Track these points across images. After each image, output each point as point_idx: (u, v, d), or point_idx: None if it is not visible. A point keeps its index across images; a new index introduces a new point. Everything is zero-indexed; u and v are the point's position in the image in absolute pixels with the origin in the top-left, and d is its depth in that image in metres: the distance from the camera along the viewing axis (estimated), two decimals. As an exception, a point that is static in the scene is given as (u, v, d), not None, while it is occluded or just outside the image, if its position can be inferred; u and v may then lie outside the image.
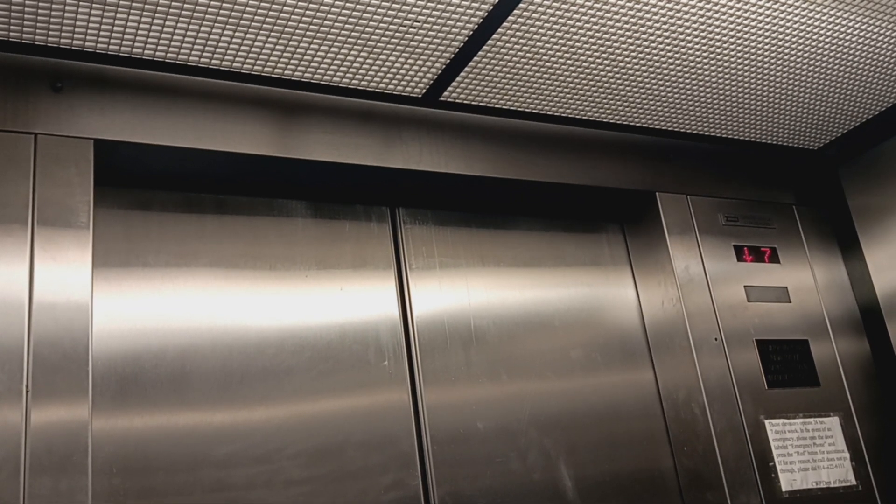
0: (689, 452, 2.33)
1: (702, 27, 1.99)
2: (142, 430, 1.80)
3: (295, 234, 2.15)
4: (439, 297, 2.27)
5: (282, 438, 1.93)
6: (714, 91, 2.30)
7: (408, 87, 2.10)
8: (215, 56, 1.86)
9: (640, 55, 2.08)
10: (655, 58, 2.10)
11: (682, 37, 2.02)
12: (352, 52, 1.91)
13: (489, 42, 1.93)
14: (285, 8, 1.71)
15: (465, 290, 2.31)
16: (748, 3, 1.91)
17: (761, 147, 2.73)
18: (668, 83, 2.23)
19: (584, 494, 2.22)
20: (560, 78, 2.14)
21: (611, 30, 1.95)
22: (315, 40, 1.84)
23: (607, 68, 2.12)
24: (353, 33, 1.83)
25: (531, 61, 2.04)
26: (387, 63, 1.97)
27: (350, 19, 1.78)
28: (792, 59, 2.18)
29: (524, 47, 1.98)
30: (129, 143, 1.82)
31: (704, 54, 2.11)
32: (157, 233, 1.99)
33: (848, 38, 2.11)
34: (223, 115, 1.94)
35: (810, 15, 1.99)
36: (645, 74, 2.17)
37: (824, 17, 2.01)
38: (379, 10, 1.76)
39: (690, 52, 2.09)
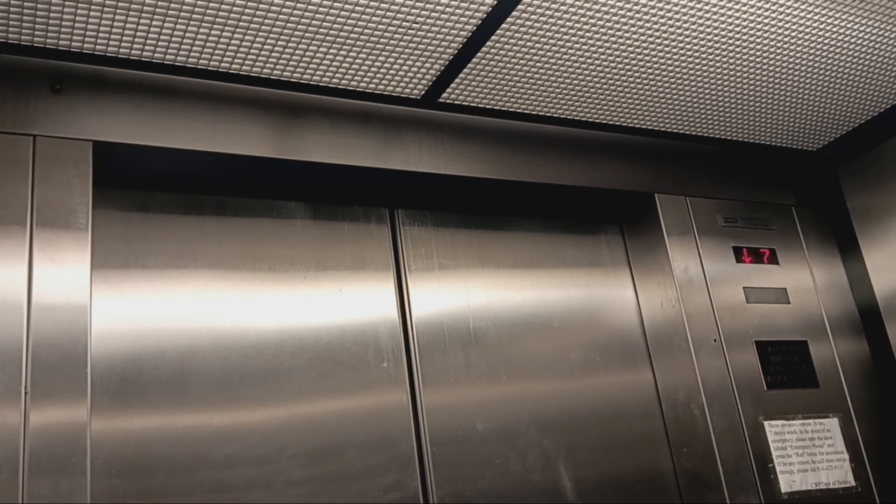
0: (689, 453, 2.33)
1: (700, 28, 1.99)
2: (141, 432, 1.80)
3: (294, 235, 2.15)
4: (438, 298, 2.27)
5: (281, 439, 1.93)
6: (713, 92, 2.30)
7: (406, 88, 2.10)
8: (214, 58, 1.86)
9: (638, 56, 2.08)
10: (654, 59, 2.10)
11: (680, 38, 2.02)
12: (350, 54, 1.91)
13: (488, 44, 1.94)
14: (284, 10, 1.71)
15: (465, 292, 2.31)
16: (746, 4, 1.91)
17: (760, 148, 2.73)
18: (667, 84, 2.23)
19: (583, 495, 2.22)
20: (559, 79, 2.14)
21: (609, 31, 1.95)
22: (314, 42, 1.84)
23: (606, 70, 2.12)
24: (351, 35, 1.84)
25: (530, 63, 2.05)
26: (385, 64, 1.98)
27: (349, 21, 1.78)
28: (791, 60, 2.18)
29: (523, 49, 1.98)
30: (128, 144, 1.82)
31: (703, 55, 2.11)
32: (157, 234, 1.99)
33: (846, 39, 2.11)
34: (222, 117, 1.94)
35: (809, 16, 1.99)
36: (644, 76, 2.17)
37: (823, 19, 2.01)
38: (378, 11, 1.76)
39: (689, 53, 2.09)
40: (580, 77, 2.14)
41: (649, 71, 2.15)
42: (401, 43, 1.89)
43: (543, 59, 2.04)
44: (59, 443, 1.55)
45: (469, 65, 2.02)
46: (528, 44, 1.96)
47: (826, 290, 2.66)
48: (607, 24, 1.92)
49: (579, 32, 1.94)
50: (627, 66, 2.12)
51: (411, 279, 2.25)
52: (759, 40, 2.07)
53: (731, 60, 2.15)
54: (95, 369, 1.79)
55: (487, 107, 2.25)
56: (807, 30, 2.05)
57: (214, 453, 1.85)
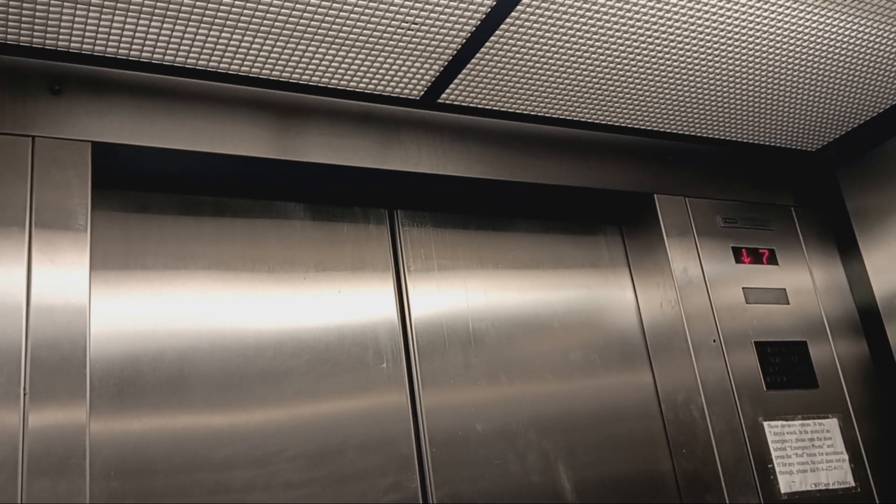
0: (688, 454, 2.33)
1: (699, 29, 1.99)
2: (140, 433, 1.80)
3: (293, 236, 2.15)
4: (438, 299, 2.27)
5: (281, 441, 1.93)
6: (712, 92, 2.30)
7: (406, 89, 2.10)
8: (213, 58, 1.86)
9: (637, 57, 2.08)
10: (653, 60, 2.10)
11: (679, 38, 2.02)
12: (350, 55, 1.91)
13: (487, 44, 1.94)
14: (283, 10, 1.71)
15: (464, 292, 2.31)
16: (745, 4, 1.91)
17: (759, 149, 2.73)
18: (666, 85, 2.23)
19: (582, 496, 2.22)
20: (558, 80, 2.14)
21: (608, 32, 1.95)
22: (313, 43, 1.84)
23: (605, 70, 2.12)
24: (350, 35, 1.84)
25: (529, 63, 2.05)
26: (385, 65, 1.98)
27: (348, 21, 1.78)
28: (790, 60, 2.18)
29: (522, 49, 1.98)
30: (127, 145, 1.82)
31: (702, 56, 2.11)
32: (156, 235, 1.99)
33: (845, 39, 2.12)
34: (221, 118, 1.94)
35: (808, 17, 1.99)
36: (643, 77, 2.17)
37: (822, 19, 2.01)
38: (377, 12, 1.76)
39: (688, 53, 2.09)
40: (579, 77, 2.14)
41: (648, 71, 2.15)
42: (400, 43, 1.89)
43: (542, 59, 2.04)
44: (58, 444, 1.55)
45: (468, 65, 2.01)
46: (528, 44, 1.96)
47: (825, 291, 2.66)
48: (606, 24, 1.92)
49: (578, 33, 1.94)
50: (626, 67, 2.12)
51: (411, 280, 2.25)
52: (757, 40, 2.07)
53: (730, 61, 2.15)
54: (94, 371, 1.78)
55: (487, 107, 2.25)
56: (805, 30, 2.05)
57: (213, 455, 1.85)
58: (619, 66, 2.11)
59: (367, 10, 1.75)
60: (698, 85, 2.25)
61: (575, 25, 1.91)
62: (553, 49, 2.00)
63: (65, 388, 1.58)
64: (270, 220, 2.15)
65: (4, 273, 1.61)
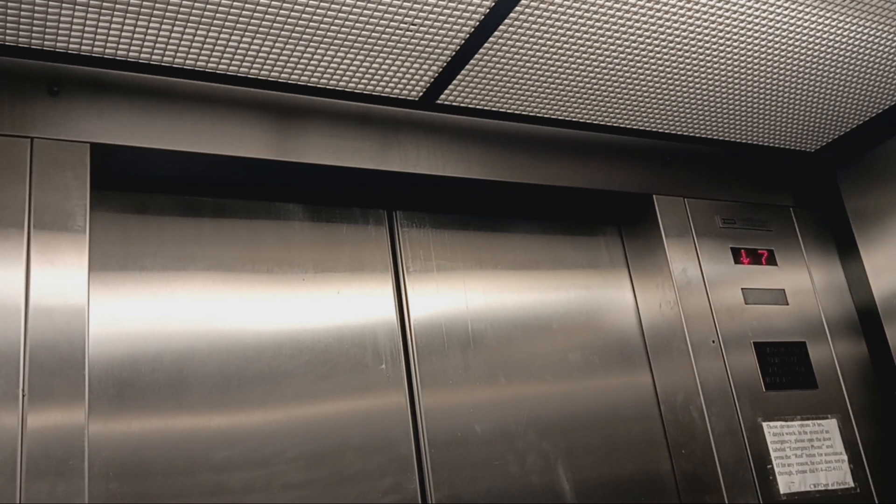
0: (688, 455, 2.33)
1: (698, 30, 1.99)
2: (139, 434, 1.80)
3: (292, 237, 2.15)
4: (437, 300, 2.27)
5: (280, 442, 1.93)
6: (711, 93, 2.30)
7: (405, 90, 2.10)
8: (212, 59, 1.86)
9: (636, 58, 2.08)
10: (652, 60, 2.10)
11: (677, 39, 2.02)
12: (349, 56, 1.91)
13: (486, 45, 1.94)
14: (281, 11, 1.71)
15: (463, 293, 2.31)
16: (744, 5, 1.91)
17: (758, 149, 2.73)
18: (664, 86, 2.23)
19: (582, 497, 2.22)
20: (557, 81, 2.14)
21: (606, 33, 1.95)
22: (312, 44, 1.84)
23: (603, 71, 2.12)
24: (349, 37, 1.84)
25: (528, 64, 2.05)
26: (384, 66, 1.98)
27: (347, 23, 1.78)
28: (789, 61, 2.18)
29: (521, 50, 1.98)
30: (125, 146, 1.82)
31: (701, 57, 2.11)
32: (155, 236, 1.98)
33: (844, 40, 2.12)
34: (220, 119, 1.94)
35: (806, 17, 1.99)
36: (642, 77, 2.17)
37: (820, 19, 2.01)
38: (376, 13, 1.76)
39: (687, 54, 2.09)
40: (578, 78, 2.14)
41: (647, 72, 2.15)
42: (399, 45, 1.89)
43: (541, 60, 2.04)
44: (57, 446, 1.55)
45: (467, 66, 2.01)
46: (526, 45, 1.96)
47: (824, 292, 2.66)
48: (604, 25, 1.92)
49: (577, 34, 1.94)
50: (625, 68, 2.12)
51: (410, 281, 2.25)
52: (756, 41, 2.07)
53: (729, 61, 2.15)
54: (93, 372, 1.78)
55: (486, 108, 2.25)
56: (804, 30, 2.05)
57: (212, 456, 1.85)
58: (617, 67, 2.11)
59: (365, 11, 1.75)
60: (697, 85, 2.25)
61: (574, 26, 1.91)
62: (552, 50, 2.00)
63: (63, 389, 1.58)
64: (269, 221, 2.14)
65: (3, 274, 1.61)
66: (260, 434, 1.91)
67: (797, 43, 2.10)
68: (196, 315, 1.96)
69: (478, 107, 2.23)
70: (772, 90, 2.32)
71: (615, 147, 2.50)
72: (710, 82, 2.24)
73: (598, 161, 2.45)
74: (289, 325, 2.05)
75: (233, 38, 1.78)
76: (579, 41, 1.97)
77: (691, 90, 2.27)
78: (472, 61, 1.99)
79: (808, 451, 2.37)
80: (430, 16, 1.80)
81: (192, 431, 1.85)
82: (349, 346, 2.10)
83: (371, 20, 1.79)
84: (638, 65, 2.11)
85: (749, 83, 2.27)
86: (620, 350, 2.48)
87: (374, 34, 1.84)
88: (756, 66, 2.19)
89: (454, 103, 2.20)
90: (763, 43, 2.08)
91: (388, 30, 1.83)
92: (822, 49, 2.14)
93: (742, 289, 2.51)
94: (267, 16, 1.72)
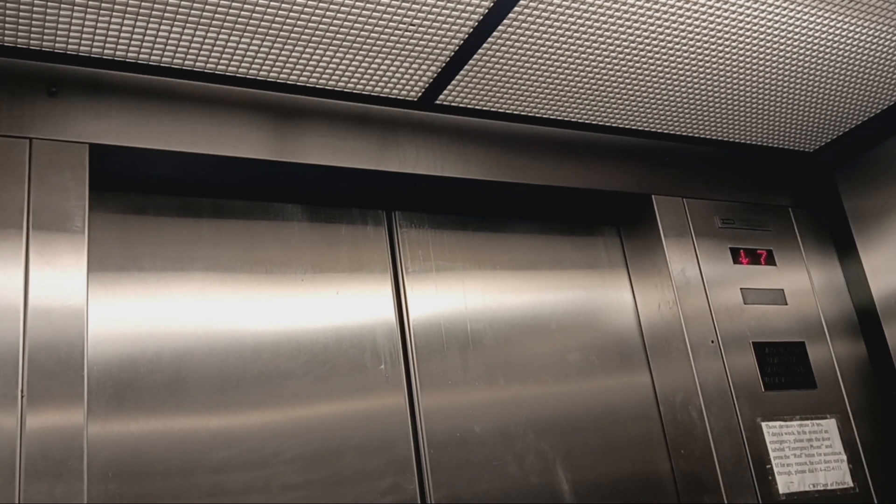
0: (687, 455, 2.33)
1: (697, 31, 1.99)
2: (138, 435, 1.80)
3: (291, 237, 2.15)
4: (436, 300, 2.27)
5: (278, 443, 1.93)
6: (710, 94, 2.30)
7: (403, 90, 2.10)
8: (210, 60, 1.86)
9: (635, 58, 2.08)
10: (650, 61, 2.10)
11: (676, 40, 2.02)
12: (347, 56, 1.91)
13: (485, 45, 1.94)
14: (280, 12, 1.71)
15: (462, 294, 2.31)
16: (742, 6, 1.91)
17: (757, 150, 2.74)
18: (663, 86, 2.23)
19: (581, 497, 2.22)
20: (556, 81, 2.14)
21: (605, 33, 1.95)
22: (310, 44, 1.84)
23: (602, 71, 2.12)
24: (348, 37, 1.84)
25: (526, 65, 2.05)
26: (382, 67, 1.98)
27: (345, 23, 1.78)
28: (787, 61, 2.18)
29: (520, 51, 1.98)
30: (124, 147, 1.82)
31: (700, 58, 2.11)
32: (153, 237, 1.98)
33: (842, 40, 2.12)
34: (219, 119, 1.94)
35: (805, 18, 1.99)
36: (640, 78, 2.17)
37: (818, 20, 2.01)
38: (374, 13, 1.76)
39: (686, 55, 2.09)
40: (577, 79, 2.14)
41: (645, 72, 2.15)
42: (398, 45, 1.89)
43: (540, 61, 2.04)
44: (56, 447, 1.54)
45: (466, 67, 2.01)
46: (525, 46, 1.96)
47: (823, 292, 2.66)
48: (603, 26, 1.92)
49: (576, 34, 1.94)
50: (624, 68, 2.12)
51: (408, 281, 2.25)
52: (754, 41, 2.07)
53: (728, 61, 2.15)
54: (92, 373, 1.78)
55: (484, 109, 2.25)
56: (802, 31, 2.05)
57: (211, 457, 1.85)
58: (616, 67, 2.11)
59: (364, 12, 1.75)
60: (696, 86, 2.25)
61: (572, 27, 1.91)
62: (550, 50, 2.00)
63: (62, 390, 1.58)
64: (268, 221, 2.14)
65: (2, 275, 1.61)
66: (259, 435, 1.91)
67: (795, 43, 2.10)
68: (195, 316, 1.96)
69: (476, 107, 2.23)
70: (770, 91, 2.33)
71: (614, 147, 2.50)
72: (708, 83, 2.24)
73: (596, 161, 2.45)
74: (287, 326, 2.05)
75: (231, 38, 1.78)
76: (578, 41, 1.98)
77: (690, 90, 2.27)
78: (470, 61, 1.99)
79: (808, 451, 2.38)
80: (429, 16, 1.80)
81: (190, 432, 1.85)
82: (348, 347, 2.10)
83: (370, 20, 1.79)
84: (636, 65, 2.11)
85: (748, 83, 2.27)
86: (619, 350, 2.48)
87: (372, 34, 1.84)
88: (754, 67, 2.19)
89: (453, 104, 2.20)
90: (761, 43, 2.08)
91: (386, 30, 1.83)
92: (821, 49, 2.14)
93: (741, 289, 2.51)
94: (265, 16, 1.72)
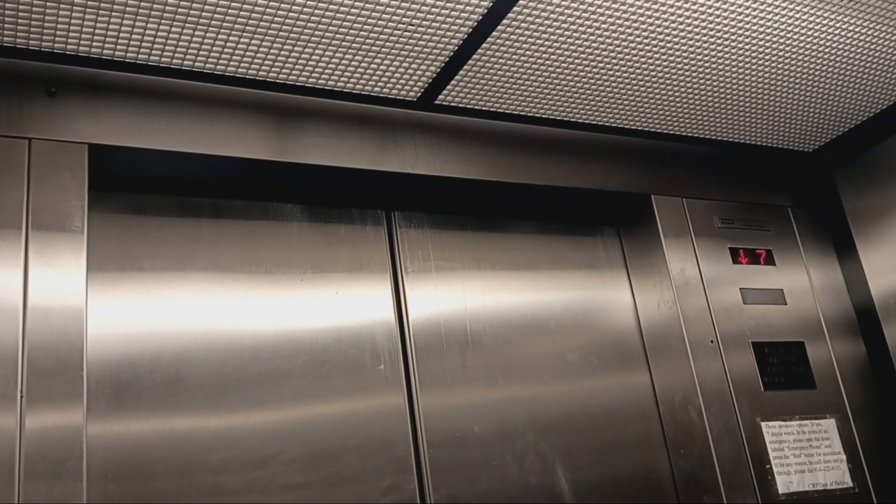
0: (686, 455, 2.33)
1: (696, 31, 1.99)
2: (137, 436, 1.80)
3: (291, 238, 2.15)
4: (435, 300, 2.27)
5: (278, 443, 1.93)
6: (709, 94, 2.30)
7: (403, 90, 2.10)
8: (209, 60, 1.86)
9: (634, 58, 2.08)
10: (650, 61, 2.10)
11: (675, 39, 2.02)
12: (347, 56, 1.91)
13: (484, 45, 1.94)
14: (279, 12, 1.71)
15: (461, 294, 2.31)
16: (741, 6, 1.91)
17: (756, 149, 2.74)
18: (663, 86, 2.23)
19: (580, 497, 2.22)
20: (555, 81, 2.14)
21: (604, 33, 1.95)
22: (310, 44, 1.84)
23: (602, 71, 2.12)
24: (347, 37, 1.84)
25: (526, 65, 2.05)
26: (382, 67, 1.98)
27: (345, 23, 1.78)
28: (786, 61, 2.18)
29: (519, 51, 1.98)
30: (123, 147, 1.82)
31: (699, 58, 2.11)
32: (153, 237, 1.98)
33: (841, 40, 2.12)
34: (218, 120, 1.94)
35: (804, 17, 1.99)
36: (639, 78, 2.17)
37: (818, 20, 2.01)
38: (374, 14, 1.76)
39: (685, 55, 2.09)
40: (576, 79, 2.14)
41: (645, 72, 2.15)
42: (397, 45, 1.89)
43: (539, 61, 2.04)
44: (55, 447, 1.54)
45: (465, 67, 2.01)
46: (524, 46, 1.96)
47: (823, 292, 2.67)
48: (602, 26, 1.92)
49: (575, 34, 1.94)
50: (623, 68, 2.12)
51: (408, 281, 2.25)
52: (753, 41, 2.07)
53: (727, 61, 2.15)
54: (91, 373, 1.78)
55: (484, 109, 2.25)
56: (801, 31, 2.05)
57: (210, 457, 1.85)
58: (615, 67, 2.11)
59: (363, 12, 1.75)
60: (695, 86, 2.25)
61: (571, 27, 1.91)
62: (550, 50, 2.00)
63: (61, 390, 1.58)
64: (268, 221, 2.14)
65: (1, 275, 1.61)
66: (258, 435, 1.91)
67: (795, 43, 2.10)
68: (194, 316, 1.96)
69: (476, 107, 2.23)
70: (769, 90, 2.33)
71: (613, 147, 2.50)
72: (707, 82, 2.24)
73: (596, 161, 2.45)
74: (287, 326, 2.05)
75: (230, 38, 1.78)
76: (577, 41, 1.98)
77: (689, 90, 2.27)
78: (469, 62, 1.99)
79: (807, 451, 2.38)
80: (428, 16, 1.80)
81: (190, 432, 1.85)
82: (347, 347, 2.10)
83: (369, 21, 1.79)
84: (636, 65, 2.11)
85: (747, 83, 2.27)
86: (619, 350, 2.48)
87: (371, 35, 1.84)
88: (754, 67, 2.19)
89: (452, 104, 2.20)
90: (760, 43, 2.08)
91: (385, 30, 1.83)
92: (820, 49, 2.15)
93: (740, 289, 2.51)
94: (265, 16, 1.72)
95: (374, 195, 2.25)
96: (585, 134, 2.46)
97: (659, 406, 2.44)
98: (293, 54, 1.87)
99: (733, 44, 2.07)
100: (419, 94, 2.13)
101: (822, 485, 2.36)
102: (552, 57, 2.03)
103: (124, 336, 1.87)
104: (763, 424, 2.35)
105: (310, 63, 1.92)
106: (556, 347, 2.38)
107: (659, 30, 1.97)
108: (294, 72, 1.95)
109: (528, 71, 2.08)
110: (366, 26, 1.80)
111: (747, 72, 2.21)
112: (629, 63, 2.10)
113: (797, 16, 1.98)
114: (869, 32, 2.10)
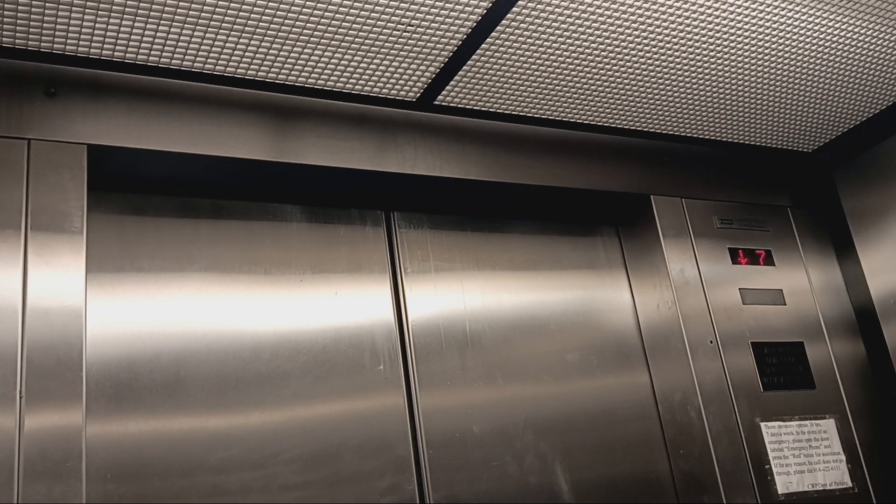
0: (685, 455, 2.33)
1: (695, 31, 1.99)
2: (136, 436, 1.80)
3: (290, 238, 2.15)
4: (435, 300, 2.27)
5: (277, 443, 1.93)
6: (708, 94, 2.30)
7: (402, 91, 2.10)
8: (209, 61, 1.86)
9: (633, 58, 2.08)
10: (649, 61, 2.10)
11: (674, 40, 2.02)
12: (346, 57, 1.91)
13: (483, 46, 1.94)
14: (278, 13, 1.71)
15: (461, 294, 2.31)
16: (740, 6, 1.91)
17: (756, 150, 2.74)
18: (662, 86, 2.23)
19: (580, 497, 2.22)
20: (554, 81, 2.14)
21: (603, 34, 1.95)
22: (309, 45, 1.84)
23: (601, 72, 2.12)
24: (347, 38, 1.84)
25: (525, 65, 2.05)
26: (381, 67, 1.98)
27: (344, 24, 1.78)
28: (786, 62, 2.18)
29: (518, 51, 1.98)
30: (123, 148, 1.82)
31: (698, 58, 2.11)
32: (152, 238, 1.98)
33: (841, 40, 2.12)
34: (218, 120, 1.94)
35: (803, 18, 1.99)
36: (639, 78, 2.18)
37: (817, 20, 2.01)
38: (373, 14, 1.76)
39: (684, 55, 2.09)
40: (576, 79, 2.15)
41: (644, 73, 2.16)
42: (396, 45, 1.89)
43: (539, 61, 2.04)
44: (55, 447, 1.54)
45: (465, 67, 2.02)
46: (524, 46, 1.97)
47: (822, 292, 2.67)
48: (601, 26, 1.92)
49: (574, 35, 1.94)
50: (622, 68, 2.12)
51: (407, 282, 2.25)
52: (753, 42, 2.07)
53: (727, 63, 2.15)
54: (90, 373, 1.78)
55: (483, 109, 2.25)
56: (801, 31, 2.05)
57: (210, 457, 1.85)
58: (614, 67, 2.11)
59: (363, 13, 1.75)
60: (694, 86, 2.25)
61: (570, 28, 1.91)
62: (549, 51, 2.00)
63: (61, 390, 1.58)
64: (267, 222, 2.14)
65: (0, 276, 1.61)
66: (258, 435, 1.91)
67: (794, 43, 2.10)
68: (193, 316, 1.96)
69: (475, 108, 2.23)
70: (769, 90, 2.33)
71: (612, 147, 2.50)
72: (707, 83, 2.24)
73: (595, 161, 2.45)
74: (286, 327, 2.05)
75: (230, 39, 1.78)
76: (576, 42, 1.98)
77: (688, 90, 2.27)
78: (469, 62, 2.00)
79: (806, 452, 2.38)
80: (428, 17, 1.80)
81: (189, 433, 1.85)
82: (347, 347, 2.10)
83: (368, 21, 1.79)
84: (635, 65, 2.11)
85: (746, 83, 2.27)
86: (618, 350, 2.48)
87: (371, 35, 1.84)
88: (753, 67, 2.19)
89: (451, 104, 2.20)
90: (760, 43, 2.08)
91: (385, 31, 1.83)
92: (819, 49, 2.15)
93: (740, 289, 2.51)
94: (264, 17, 1.72)
95: (373, 195, 2.25)
96: (585, 134, 2.46)
97: (658, 406, 2.44)
98: (292, 55, 1.87)
99: (732, 44, 2.07)
100: (418, 95, 2.13)
101: (822, 485, 2.36)
102: (551, 57, 2.03)
103: (124, 336, 1.87)
104: (762, 425, 2.35)
105: (309, 63, 1.92)
106: (556, 347, 2.38)
107: (658, 30, 1.97)
108: (293, 72, 1.95)
109: (528, 71, 2.08)
110: (365, 27, 1.80)
111: (747, 72, 2.21)
112: (628, 63, 2.10)
113: (796, 16, 1.98)
114: (869, 32, 2.10)
